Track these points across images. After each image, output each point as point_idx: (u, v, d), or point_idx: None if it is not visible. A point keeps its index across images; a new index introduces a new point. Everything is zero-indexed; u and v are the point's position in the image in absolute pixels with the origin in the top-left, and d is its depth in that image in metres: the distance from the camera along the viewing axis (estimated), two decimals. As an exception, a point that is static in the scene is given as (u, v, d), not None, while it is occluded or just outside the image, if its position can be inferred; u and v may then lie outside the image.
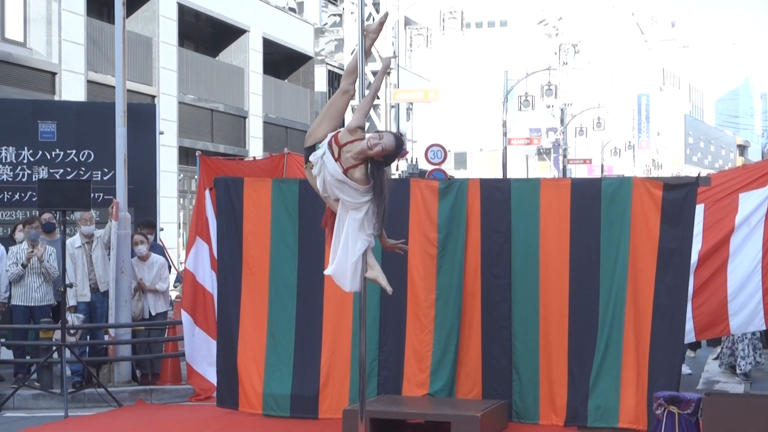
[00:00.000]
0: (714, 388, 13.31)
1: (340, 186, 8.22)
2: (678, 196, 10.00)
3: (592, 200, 10.25)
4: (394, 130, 34.77)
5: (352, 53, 30.84)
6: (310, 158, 8.44)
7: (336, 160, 8.20)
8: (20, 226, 13.83)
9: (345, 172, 8.14)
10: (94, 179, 14.80)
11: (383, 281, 8.37)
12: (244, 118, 33.93)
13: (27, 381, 12.46)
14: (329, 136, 8.34)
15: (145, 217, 14.81)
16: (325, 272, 8.63)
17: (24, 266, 13.08)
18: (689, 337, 10.95)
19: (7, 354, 13.55)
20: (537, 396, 10.31)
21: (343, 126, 8.43)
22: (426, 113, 51.68)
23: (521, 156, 58.15)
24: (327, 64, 39.47)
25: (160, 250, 14.92)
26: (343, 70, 38.49)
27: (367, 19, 29.91)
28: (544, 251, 10.35)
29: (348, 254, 8.30)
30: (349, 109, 9.97)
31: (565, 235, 10.29)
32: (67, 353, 11.97)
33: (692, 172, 13.24)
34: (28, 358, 13.46)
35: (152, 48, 28.60)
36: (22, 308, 13.24)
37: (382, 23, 8.99)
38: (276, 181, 11.27)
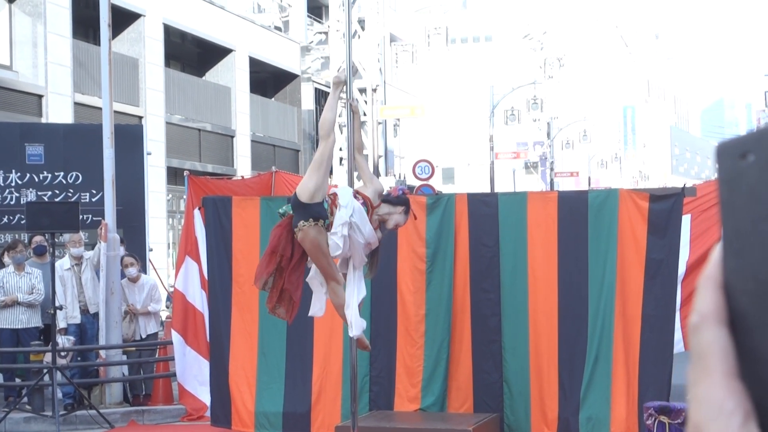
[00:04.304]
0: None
1: (365, 247, 8.00)
2: (664, 207, 10.07)
3: (579, 213, 10.32)
4: (381, 149, 34.84)
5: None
6: (338, 220, 7.80)
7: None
8: (6, 252, 13.82)
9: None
10: (82, 201, 14.80)
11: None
12: (232, 137, 33.95)
13: (18, 404, 12.43)
14: (347, 195, 7.97)
15: (133, 240, 14.83)
16: (354, 335, 8.16)
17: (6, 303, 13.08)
18: (678, 347, 11.01)
19: (-2, 377, 13.54)
20: (528, 409, 10.34)
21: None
22: (413, 129, 51.77)
23: (509, 170, 58.27)
24: (313, 81, 39.52)
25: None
26: (329, 88, 38.56)
27: (353, 36, 30.01)
28: (533, 264, 10.40)
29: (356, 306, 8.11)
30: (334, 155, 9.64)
31: (553, 247, 10.35)
32: (58, 375, 11.96)
33: (679, 182, 13.29)
34: (18, 381, 13.43)
35: (138, 69, 28.63)
36: (9, 331, 13.21)
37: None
38: (264, 200, 11.31)
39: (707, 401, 0.74)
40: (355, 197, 7.97)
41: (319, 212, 7.72)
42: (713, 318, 0.77)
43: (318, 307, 8.07)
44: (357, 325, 7.98)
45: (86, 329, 13.42)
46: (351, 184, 8.72)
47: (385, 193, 8.34)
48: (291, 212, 7.83)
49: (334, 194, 7.94)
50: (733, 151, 0.78)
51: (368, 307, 9.46)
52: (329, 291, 7.91)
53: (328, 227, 7.72)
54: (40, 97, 24.39)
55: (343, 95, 8.70)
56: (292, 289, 7.86)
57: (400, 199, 8.25)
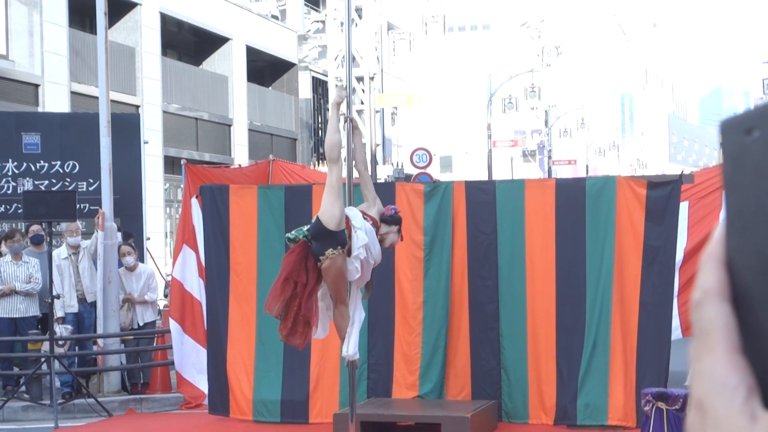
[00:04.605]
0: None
1: (372, 265, 8.11)
2: (662, 194, 10.07)
3: (576, 200, 10.32)
4: (378, 138, 34.82)
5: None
6: (358, 243, 7.85)
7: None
8: (3, 241, 13.81)
9: None
10: (79, 190, 14.78)
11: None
12: (229, 126, 33.92)
13: (16, 393, 12.44)
14: (358, 217, 8.01)
15: (126, 230, 14.84)
16: (348, 355, 8.24)
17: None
18: (676, 334, 11.03)
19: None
20: (526, 396, 10.36)
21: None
22: (410, 117, 51.74)
23: (506, 158, 58.27)
24: (311, 70, 39.47)
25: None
26: (326, 76, 38.54)
27: (351, 24, 29.97)
28: (531, 251, 10.40)
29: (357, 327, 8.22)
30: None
31: (551, 234, 10.35)
32: (56, 364, 11.95)
33: (677, 170, 13.31)
34: (16, 370, 13.43)
35: (135, 58, 28.58)
36: (7, 321, 13.20)
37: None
38: (261, 188, 11.30)
39: (710, 376, 0.74)
40: (364, 219, 8.00)
41: (344, 239, 7.76)
42: (716, 294, 0.76)
43: (321, 329, 8.11)
44: (354, 347, 8.07)
45: (84, 318, 13.41)
46: (350, 176, 8.74)
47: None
48: (303, 238, 7.79)
49: (346, 216, 7.94)
50: (737, 127, 0.76)
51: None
52: (337, 314, 7.94)
53: (348, 251, 7.75)
54: (37, 86, 24.36)
55: (342, 106, 8.61)
56: (310, 315, 7.88)
57: (394, 218, 8.32)
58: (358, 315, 8.06)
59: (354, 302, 8.03)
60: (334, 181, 7.87)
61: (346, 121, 8.48)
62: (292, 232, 7.96)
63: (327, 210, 7.75)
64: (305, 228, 7.87)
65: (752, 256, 0.74)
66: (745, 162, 0.75)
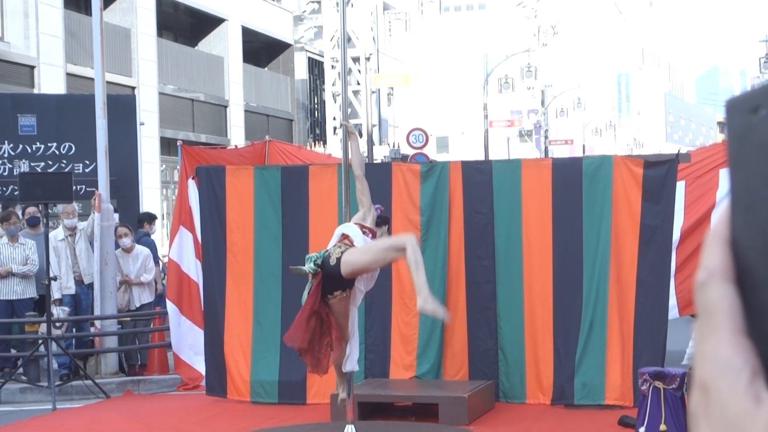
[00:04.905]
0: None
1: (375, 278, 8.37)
2: (658, 174, 10.06)
3: (573, 179, 10.30)
4: (375, 118, 34.77)
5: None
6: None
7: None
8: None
9: None
10: (75, 171, 14.77)
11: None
12: (225, 107, 33.87)
13: (14, 375, 12.44)
14: (358, 234, 8.09)
15: (145, 212, 14.86)
16: (348, 371, 8.52)
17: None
18: (673, 313, 11.04)
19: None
20: (523, 375, 10.37)
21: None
22: (407, 97, 51.66)
23: (503, 138, 58.22)
24: (306, 51, 39.39)
25: (152, 244, 14.87)
26: (322, 57, 38.45)
27: (346, 4, 29.90)
28: (527, 231, 10.40)
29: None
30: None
31: (548, 214, 10.34)
32: (54, 346, 11.96)
33: (673, 150, 13.30)
34: (13, 352, 13.44)
35: (131, 39, 28.49)
36: (4, 303, 13.19)
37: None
38: (258, 169, 11.28)
39: (714, 358, 0.73)
40: (364, 233, 8.03)
41: (352, 283, 7.99)
42: (720, 274, 0.75)
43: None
44: (354, 361, 8.33)
45: (81, 300, 13.40)
46: (345, 155, 8.73)
47: None
48: (319, 270, 7.85)
49: (345, 235, 8.01)
50: (743, 105, 0.75)
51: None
52: (335, 348, 8.13)
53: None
54: (32, 68, 24.29)
55: (338, 113, 8.69)
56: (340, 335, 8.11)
57: (382, 218, 8.44)
58: (356, 327, 8.38)
59: (351, 320, 8.17)
60: (390, 254, 7.92)
61: (339, 126, 8.56)
62: (311, 266, 7.91)
63: (356, 265, 7.84)
64: (319, 260, 7.88)
65: (757, 236, 0.74)
66: (750, 141, 0.75)
